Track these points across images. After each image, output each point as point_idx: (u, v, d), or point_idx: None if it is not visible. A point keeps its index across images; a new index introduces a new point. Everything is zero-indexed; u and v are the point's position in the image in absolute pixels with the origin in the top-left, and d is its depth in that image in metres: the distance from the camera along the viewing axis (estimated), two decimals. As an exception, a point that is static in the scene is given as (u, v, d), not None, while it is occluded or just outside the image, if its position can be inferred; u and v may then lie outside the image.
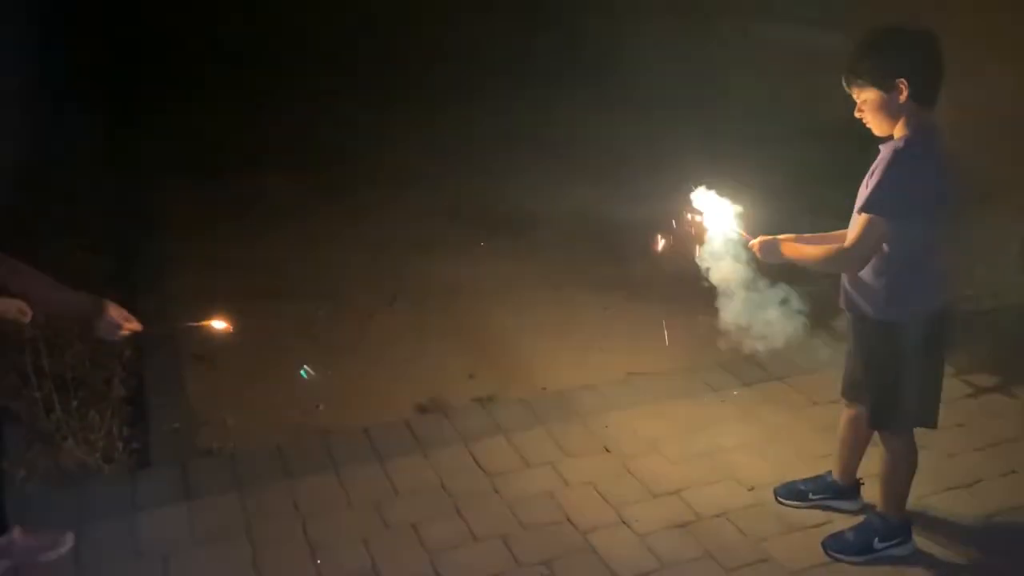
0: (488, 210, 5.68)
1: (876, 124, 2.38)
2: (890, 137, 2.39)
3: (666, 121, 6.59)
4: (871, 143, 2.44)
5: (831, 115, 2.98)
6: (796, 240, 2.58)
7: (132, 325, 2.42)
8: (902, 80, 2.28)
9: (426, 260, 4.97)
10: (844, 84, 2.38)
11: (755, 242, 2.57)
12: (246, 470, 3.04)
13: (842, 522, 2.78)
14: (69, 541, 2.63)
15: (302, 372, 3.72)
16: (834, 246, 2.45)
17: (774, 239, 2.55)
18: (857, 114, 2.40)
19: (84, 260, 4.69)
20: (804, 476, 2.96)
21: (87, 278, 4.43)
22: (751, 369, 3.78)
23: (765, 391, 3.63)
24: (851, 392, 2.71)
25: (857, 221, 2.36)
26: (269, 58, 9.23)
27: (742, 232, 2.63)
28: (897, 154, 2.30)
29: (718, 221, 2.66)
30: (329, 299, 4.46)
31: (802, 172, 5.51)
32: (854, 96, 2.38)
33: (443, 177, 6.35)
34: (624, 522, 2.80)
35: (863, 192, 2.39)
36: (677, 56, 7.88)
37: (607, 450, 3.20)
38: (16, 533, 2.56)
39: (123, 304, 2.47)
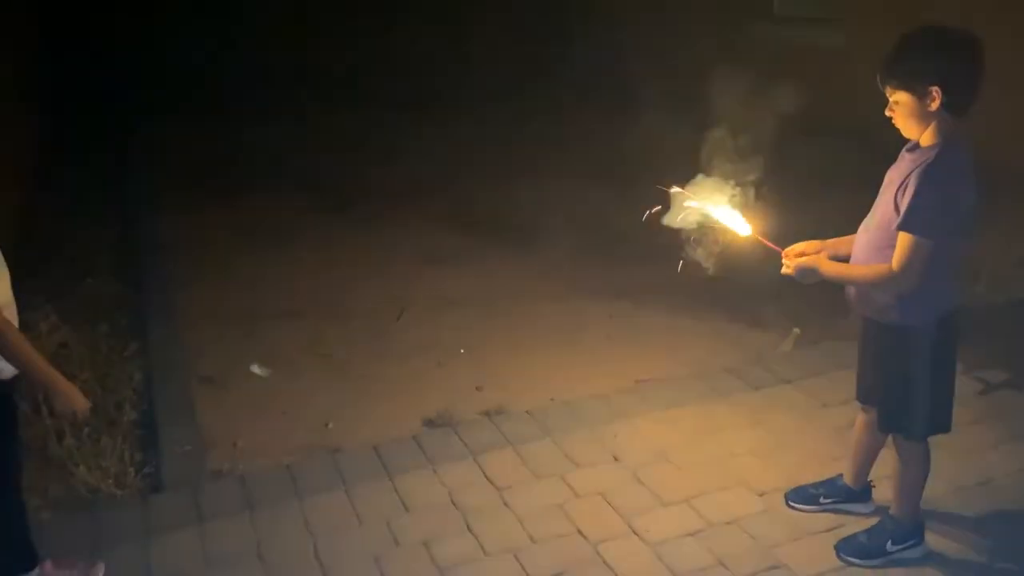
0: (491, 218, 5.69)
1: (905, 127, 2.33)
2: (914, 144, 2.36)
3: (665, 122, 6.59)
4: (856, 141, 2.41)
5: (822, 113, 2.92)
6: (824, 251, 2.53)
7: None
8: (936, 88, 2.23)
9: (431, 271, 4.99)
10: (878, 82, 2.32)
11: (790, 267, 2.49)
12: (256, 491, 3.05)
13: (854, 525, 2.76)
14: (100, 572, 2.64)
15: (254, 369, 3.72)
16: (882, 268, 2.34)
17: (812, 262, 2.47)
18: (888, 113, 2.34)
19: (94, 286, 4.74)
20: (815, 480, 2.95)
21: (96, 304, 4.49)
22: (759, 373, 3.77)
23: (773, 395, 3.61)
24: (863, 394, 2.69)
25: (900, 242, 2.28)
26: (262, 74, 9.27)
27: (769, 243, 2.58)
28: (931, 171, 2.24)
29: (730, 219, 2.59)
30: (338, 317, 4.48)
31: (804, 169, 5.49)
32: (887, 95, 2.33)
33: (444, 186, 6.38)
34: (635, 532, 2.79)
35: (884, 206, 2.34)
36: (676, 55, 7.90)
37: (616, 459, 3.19)
38: (48, 567, 2.56)
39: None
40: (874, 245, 2.40)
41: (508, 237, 5.41)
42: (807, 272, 2.47)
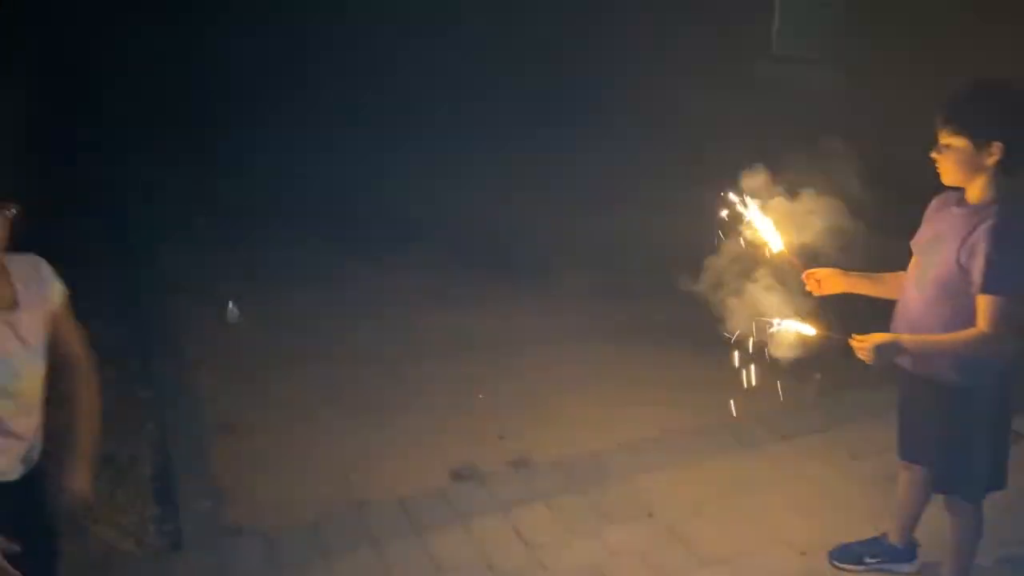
0: (498, 255, 5.64)
1: (950, 173, 2.30)
2: (960, 198, 2.33)
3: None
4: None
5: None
6: (850, 281, 2.52)
7: None
8: (999, 144, 2.21)
9: (443, 313, 4.91)
10: (937, 122, 2.28)
11: (865, 349, 2.31)
12: (280, 549, 2.95)
13: (901, 587, 2.70)
14: None
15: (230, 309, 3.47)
16: (972, 333, 2.26)
17: (891, 338, 2.32)
18: (934, 155, 2.30)
19: (98, 327, 4.60)
20: (854, 535, 2.89)
21: (98, 346, 4.36)
22: (788, 421, 3.71)
23: (803, 445, 3.56)
24: (911, 453, 2.64)
25: (988, 305, 2.23)
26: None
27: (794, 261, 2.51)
28: (1004, 229, 2.22)
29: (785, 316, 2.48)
30: (351, 360, 4.38)
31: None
32: (940, 137, 2.28)
33: (447, 222, 6.31)
34: (678, 595, 2.72)
35: (941, 264, 2.30)
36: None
37: (650, 515, 3.12)
38: None
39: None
40: (932, 303, 2.35)
41: (519, 274, 5.35)
42: (887, 349, 2.30)
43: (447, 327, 4.75)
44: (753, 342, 2.54)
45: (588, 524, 3.06)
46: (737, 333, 2.54)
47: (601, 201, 6.42)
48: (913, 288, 2.44)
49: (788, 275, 2.54)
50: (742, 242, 2.58)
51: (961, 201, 2.35)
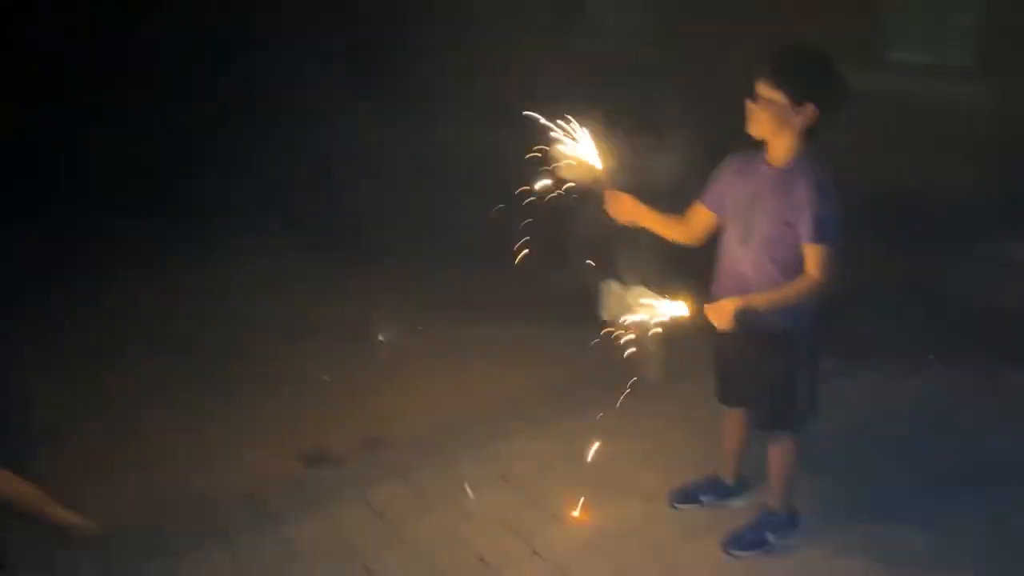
0: (334, 232, 5.52)
1: (760, 124, 2.45)
2: (761, 158, 2.52)
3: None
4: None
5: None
6: (643, 212, 2.64)
7: None
8: (812, 106, 2.39)
9: (279, 297, 4.76)
10: (760, 72, 2.41)
11: (724, 315, 2.42)
12: (119, 555, 2.77)
13: (736, 520, 2.93)
14: None
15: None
16: (805, 282, 2.46)
17: (749, 304, 2.43)
18: (749, 104, 2.44)
19: None
20: (691, 478, 3.12)
21: None
22: (626, 380, 3.91)
23: (641, 401, 3.76)
24: (732, 398, 2.86)
25: (818, 254, 2.43)
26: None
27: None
28: (822, 185, 2.42)
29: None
30: (177, 351, 4.16)
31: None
32: (759, 87, 2.43)
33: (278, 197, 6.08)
34: (536, 553, 2.81)
35: (769, 224, 2.47)
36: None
37: (505, 479, 3.20)
38: None
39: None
40: (761, 258, 2.53)
41: (355, 252, 5.26)
42: (743, 313, 2.42)
43: (285, 312, 4.60)
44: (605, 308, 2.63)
45: (445, 494, 3.10)
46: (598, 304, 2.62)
47: (435, 172, 6.41)
48: (738, 246, 2.60)
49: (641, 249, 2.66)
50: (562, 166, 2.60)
51: (766, 161, 2.53)
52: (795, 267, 2.50)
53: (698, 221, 2.71)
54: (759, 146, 2.56)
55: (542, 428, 3.54)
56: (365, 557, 2.79)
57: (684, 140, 3.81)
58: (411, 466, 3.27)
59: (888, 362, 4.09)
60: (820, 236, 2.43)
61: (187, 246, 5.39)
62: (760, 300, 2.47)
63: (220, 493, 3.13)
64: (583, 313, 2.80)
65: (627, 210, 2.66)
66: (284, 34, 8.32)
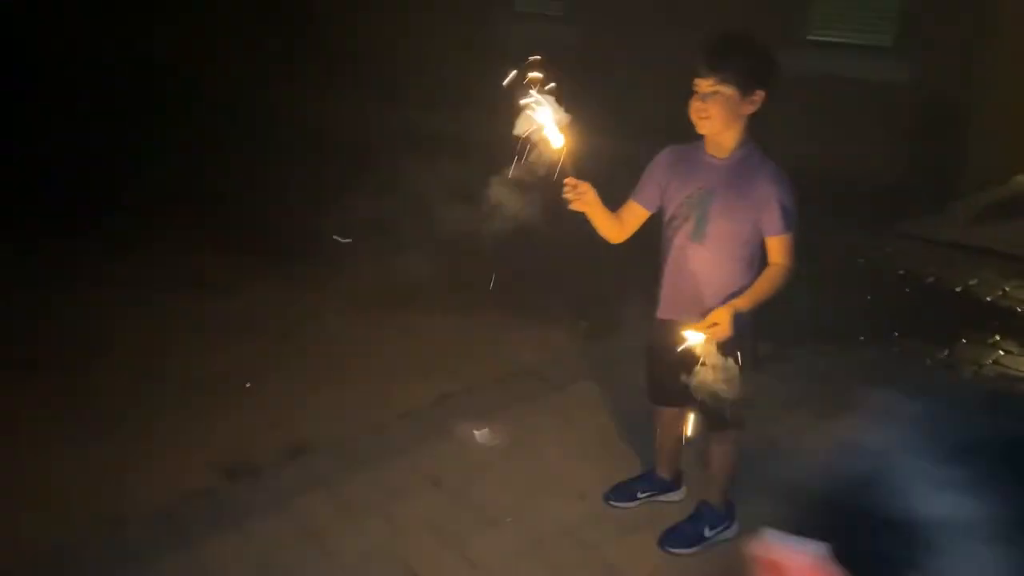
0: (252, 231, 5.30)
1: (716, 120, 2.32)
2: (695, 144, 2.43)
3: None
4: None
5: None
6: (595, 204, 2.46)
7: None
8: (761, 92, 2.31)
9: (192, 299, 4.52)
10: (699, 70, 2.29)
11: (722, 327, 2.31)
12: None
13: (672, 516, 2.87)
14: None
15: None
16: (778, 272, 2.39)
17: (739, 308, 2.33)
18: (697, 103, 2.32)
19: None
20: (627, 474, 3.05)
21: None
22: (557, 372, 3.84)
23: (576, 393, 3.70)
24: (664, 398, 2.75)
25: (785, 243, 2.37)
26: None
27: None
28: (778, 174, 2.37)
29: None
30: (87, 360, 3.89)
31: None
32: (702, 85, 2.31)
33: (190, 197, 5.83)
34: (469, 561, 2.70)
35: (728, 221, 2.38)
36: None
37: (436, 484, 3.08)
38: None
39: None
40: (723, 253, 2.43)
41: (272, 252, 5.05)
42: (737, 318, 2.32)
43: (199, 314, 4.37)
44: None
45: (373, 503, 2.96)
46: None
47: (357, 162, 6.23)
48: (688, 244, 2.47)
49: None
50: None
51: (707, 152, 2.43)
52: (754, 261, 2.44)
53: (631, 219, 2.58)
54: (695, 138, 2.45)
55: (474, 426, 3.41)
56: (290, 574, 2.63)
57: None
58: (337, 474, 3.11)
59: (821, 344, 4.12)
60: (787, 226, 2.38)
61: (98, 246, 5.08)
62: (744, 300, 2.36)
63: (131, 511, 2.92)
64: (514, 303, 2.67)
65: (587, 200, 2.44)
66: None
